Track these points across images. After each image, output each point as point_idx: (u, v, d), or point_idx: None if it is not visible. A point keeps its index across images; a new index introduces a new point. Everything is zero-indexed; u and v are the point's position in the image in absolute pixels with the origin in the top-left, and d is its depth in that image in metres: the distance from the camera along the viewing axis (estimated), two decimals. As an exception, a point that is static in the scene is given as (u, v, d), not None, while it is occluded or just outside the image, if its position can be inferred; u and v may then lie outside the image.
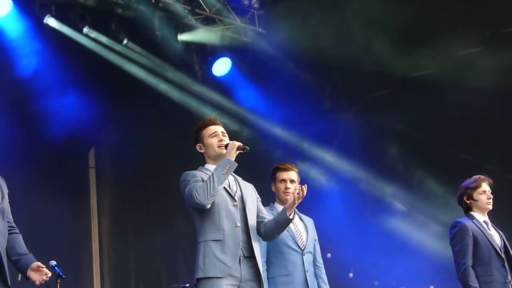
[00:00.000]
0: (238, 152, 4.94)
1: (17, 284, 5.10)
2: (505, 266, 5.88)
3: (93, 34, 10.50)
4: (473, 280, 5.64)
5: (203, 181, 4.98)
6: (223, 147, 5.05)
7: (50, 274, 4.96)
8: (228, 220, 4.94)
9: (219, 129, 5.19)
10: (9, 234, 4.89)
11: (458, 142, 10.82)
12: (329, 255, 10.29)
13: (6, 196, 4.94)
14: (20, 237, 5.01)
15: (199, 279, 4.83)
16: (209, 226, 4.94)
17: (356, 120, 11.99)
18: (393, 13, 10.04)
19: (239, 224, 4.93)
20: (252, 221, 5.00)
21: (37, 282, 4.88)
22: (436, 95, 10.62)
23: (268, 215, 5.25)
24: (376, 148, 11.30)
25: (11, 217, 4.96)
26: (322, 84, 11.20)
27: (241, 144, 4.93)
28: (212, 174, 4.89)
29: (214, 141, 5.12)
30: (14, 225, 5.00)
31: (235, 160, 4.88)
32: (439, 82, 10.50)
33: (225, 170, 4.87)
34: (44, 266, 4.88)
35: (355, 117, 12.21)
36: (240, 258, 4.88)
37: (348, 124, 12.08)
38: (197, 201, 4.84)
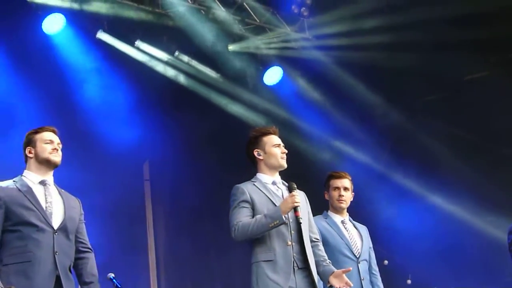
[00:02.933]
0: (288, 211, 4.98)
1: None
2: None
3: (145, 46, 10.84)
4: None
5: (251, 200, 5.13)
6: (285, 160, 5.20)
7: None
8: (279, 240, 5.01)
9: (281, 141, 5.26)
10: (79, 257, 5.06)
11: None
12: (386, 262, 10.21)
13: (76, 216, 5.10)
14: (89, 261, 5.12)
15: None
16: (260, 247, 5.03)
17: (409, 125, 11.65)
18: (447, 16, 10.03)
19: (289, 243, 5.01)
20: (306, 231, 5.06)
21: None
22: (491, 99, 10.45)
23: (317, 234, 5.36)
24: (431, 153, 11.10)
25: (83, 237, 5.12)
26: (375, 89, 11.09)
27: (299, 208, 5.06)
28: (259, 221, 4.98)
29: (278, 151, 5.19)
30: (88, 247, 5.16)
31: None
32: (493, 85, 10.28)
33: (272, 225, 4.94)
34: None
35: (408, 122, 11.87)
36: (294, 269, 4.97)
37: (401, 129, 11.88)
38: (234, 237, 5.01)
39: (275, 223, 4.87)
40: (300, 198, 5.15)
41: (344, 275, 5.04)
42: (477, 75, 11.03)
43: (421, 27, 10.19)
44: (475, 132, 10.93)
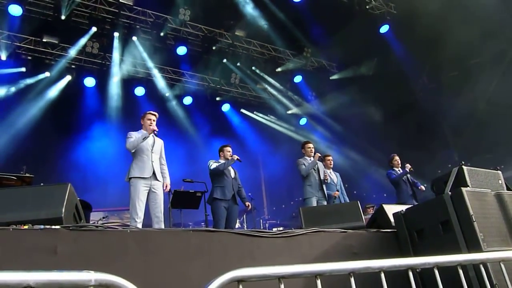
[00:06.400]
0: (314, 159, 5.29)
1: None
2: (407, 185, 6.06)
3: (257, 113, 11.21)
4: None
5: (304, 164, 5.41)
6: (313, 153, 5.59)
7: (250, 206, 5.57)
8: (314, 178, 5.43)
9: (312, 145, 5.64)
10: (238, 189, 5.34)
11: None
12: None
13: (237, 175, 5.28)
14: (243, 191, 5.48)
15: (303, 199, 5.39)
16: (307, 179, 5.38)
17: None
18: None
19: (317, 179, 5.35)
20: (320, 176, 5.56)
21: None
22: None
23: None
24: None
25: (239, 182, 5.35)
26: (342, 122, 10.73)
27: (326, 173, 5.18)
28: (306, 167, 5.26)
29: (309, 150, 5.64)
30: (241, 185, 5.46)
31: None
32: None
33: (310, 171, 5.19)
34: (247, 204, 5.30)
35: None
36: (317, 188, 5.29)
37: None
38: (299, 173, 5.44)
39: (310, 171, 5.41)
40: (320, 164, 5.63)
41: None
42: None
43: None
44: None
